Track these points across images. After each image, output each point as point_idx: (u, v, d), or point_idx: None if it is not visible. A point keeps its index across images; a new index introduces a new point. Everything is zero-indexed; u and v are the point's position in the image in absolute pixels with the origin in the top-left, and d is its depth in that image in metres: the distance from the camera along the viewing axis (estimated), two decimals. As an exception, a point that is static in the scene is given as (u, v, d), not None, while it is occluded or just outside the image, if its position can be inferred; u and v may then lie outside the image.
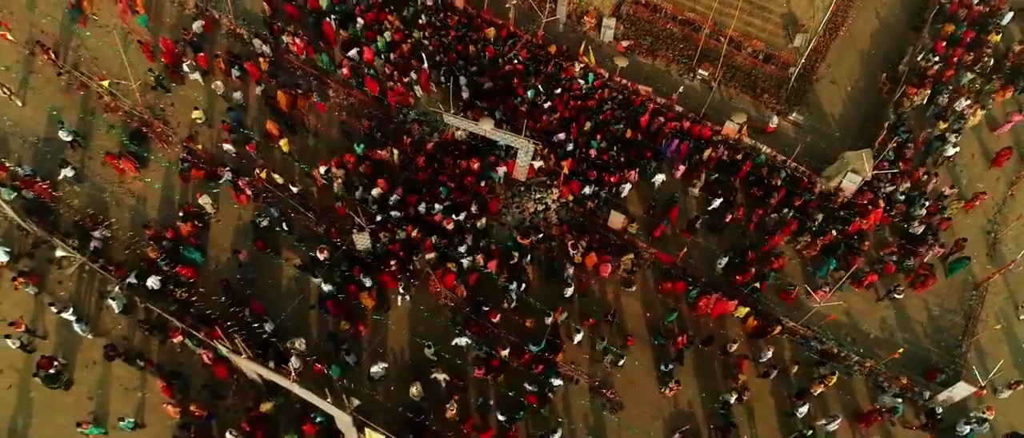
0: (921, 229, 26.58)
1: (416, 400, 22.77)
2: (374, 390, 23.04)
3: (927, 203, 26.85)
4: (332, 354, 23.41)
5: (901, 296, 25.52)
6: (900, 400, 23.52)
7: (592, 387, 23.64)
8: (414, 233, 25.29)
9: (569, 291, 24.97)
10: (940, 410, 23.45)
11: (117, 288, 23.55)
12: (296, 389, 20.64)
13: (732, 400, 23.29)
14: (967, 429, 23.05)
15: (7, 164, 25.65)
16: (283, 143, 27.28)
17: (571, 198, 27.11)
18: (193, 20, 29.91)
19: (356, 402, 20.40)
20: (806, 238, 26.35)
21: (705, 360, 24.41)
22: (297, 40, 29.39)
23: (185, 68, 28.51)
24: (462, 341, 23.82)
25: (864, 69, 31.15)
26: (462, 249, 25.30)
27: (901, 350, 24.16)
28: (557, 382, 23.30)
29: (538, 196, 27.17)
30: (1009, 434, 23.44)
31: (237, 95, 28.32)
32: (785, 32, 30.25)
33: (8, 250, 23.98)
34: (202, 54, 28.98)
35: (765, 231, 26.90)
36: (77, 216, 25.24)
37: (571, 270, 25.32)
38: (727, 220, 26.92)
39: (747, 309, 24.78)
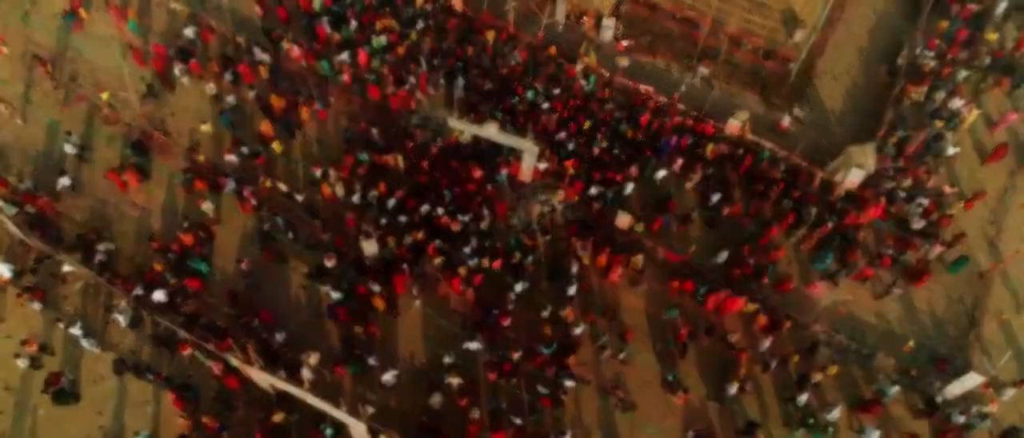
0: (922, 224, 26.74)
1: (437, 409, 22.72)
2: (387, 397, 23.02)
3: (926, 201, 27.04)
4: (349, 358, 23.32)
5: (901, 291, 25.74)
6: (895, 387, 23.73)
7: (604, 387, 23.70)
8: (419, 236, 25.27)
9: (572, 289, 25.08)
10: (939, 398, 23.66)
11: (123, 302, 23.40)
12: (310, 399, 20.54)
13: (734, 391, 23.47)
14: (962, 419, 23.22)
15: (8, 179, 25.47)
16: (275, 145, 27.25)
17: (577, 199, 27.16)
18: (185, 27, 29.76)
19: (371, 410, 20.34)
20: (802, 231, 26.56)
21: (707, 352, 24.47)
22: (296, 47, 29.34)
23: (176, 73, 28.42)
24: (474, 345, 23.83)
25: (863, 63, 31.27)
26: (467, 251, 25.34)
27: (911, 344, 24.34)
28: (569, 383, 23.39)
29: (544, 197, 27.19)
30: (1008, 429, 23.57)
31: (230, 98, 28.20)
32: (785, 28, 30.38)
33: (12, 266, 23.83)
34: (194, 60, 28.86)
35: (762, 224, 27.08)
36: (80, 230, 25.03)
37: (575, 269, 25.40)
38: (724, 214, 27.14)
39: (756, 306, 24.90)
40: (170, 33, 29.98)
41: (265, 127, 27.39)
